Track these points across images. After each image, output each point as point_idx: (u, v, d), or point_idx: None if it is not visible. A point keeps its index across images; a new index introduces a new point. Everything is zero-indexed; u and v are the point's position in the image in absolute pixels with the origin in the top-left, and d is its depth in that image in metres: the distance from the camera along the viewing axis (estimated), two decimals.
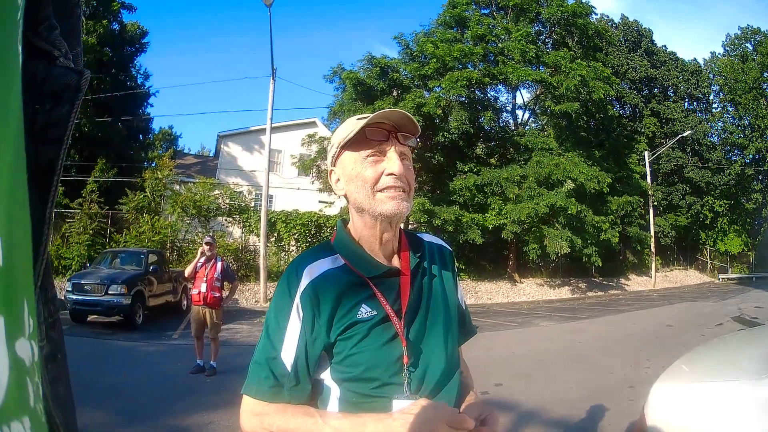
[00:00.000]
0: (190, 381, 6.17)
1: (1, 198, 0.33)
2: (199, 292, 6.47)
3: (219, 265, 6.62)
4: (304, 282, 1.08)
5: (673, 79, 26.73)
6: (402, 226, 1.21)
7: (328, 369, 1.09)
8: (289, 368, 1.05)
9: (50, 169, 0.46)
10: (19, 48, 0.36)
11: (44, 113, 0.45)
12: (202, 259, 6.58)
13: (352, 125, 1.12)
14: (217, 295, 6.49)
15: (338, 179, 1.17)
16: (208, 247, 6.63)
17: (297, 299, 1.07)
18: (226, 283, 6.74)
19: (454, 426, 0.93)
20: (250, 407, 1.08)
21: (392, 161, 1.09)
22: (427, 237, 1.28)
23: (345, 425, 0.99)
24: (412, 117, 1.10)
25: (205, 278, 6.47)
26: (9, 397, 0.33)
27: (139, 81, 23.83)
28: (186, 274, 6.80)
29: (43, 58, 0.45)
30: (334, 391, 1.09)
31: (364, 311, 1.07)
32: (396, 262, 1.16)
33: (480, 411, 1.07)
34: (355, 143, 1.12)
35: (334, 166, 1.19)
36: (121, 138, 22.20)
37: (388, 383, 1.04)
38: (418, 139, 1.16)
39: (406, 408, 0.98)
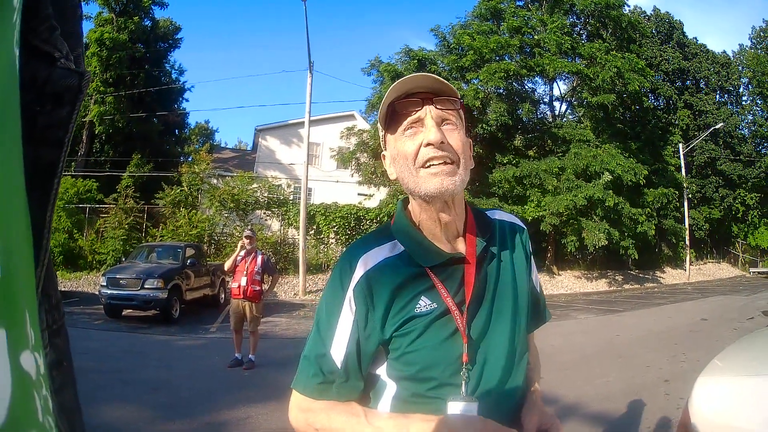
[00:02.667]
0: (229, 375, 6.12)
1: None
2: (239, 286, 6.44)
3: (259, 258, 6.58)
4: (358, 273, 1.00)
5: (705, 71, 26.52)
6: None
7: (385, 365, 1.03)
8: (339, 365, 0.99)
9: (51, 172, 0.45)
10: (16, 51, 0.35)
11: (45, 115, 0.44)
12: (242, 253, 6.54)
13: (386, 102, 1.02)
14: (257, 288, 6.43)
15: (390, 162, 1.07)
16: (248, 240, 6.58)
17: (350, 292, 1.00)
18: (266, 276, 6.70)
19: None
20: (298, 402, 1.04)
21: (429, 129, 0.96)
22: (499, 214, 1.16)
23: (389, 425, 0.94)
24: (440, 78, 0.98)
25: (245, 272, 6.43)
26: (14, 413, 0.31)
27: (173, 77, 23.92)
28: (226, 268, 6.76)
29: (44, 60, 0.44)
30: (390, 387, 1.03)
31: (423, 304, 0.98)
32: (461, 246, 1.05)
33: (541, 422, 0.99)
34: (392, 119, 1.02)
35: (385, 149, 1.09)
36: (156, 133, 22.28)
37: (446, 383, 0.97)
38: (461, 99, 1.02)
39: (454, 418, 0.91)
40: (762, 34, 31.50)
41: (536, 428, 0.97)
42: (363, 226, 18.02)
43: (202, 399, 5.08)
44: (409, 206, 1.08)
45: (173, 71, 23.95)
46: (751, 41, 31.80)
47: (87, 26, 21.95)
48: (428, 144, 0.95)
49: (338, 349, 1.00)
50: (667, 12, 27.61)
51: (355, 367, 1.00)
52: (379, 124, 1.08)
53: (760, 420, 2.10)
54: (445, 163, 0.96)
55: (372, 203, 18.60)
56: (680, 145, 23.00)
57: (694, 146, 23.24)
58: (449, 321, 0.98)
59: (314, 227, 17.84)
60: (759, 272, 26.70)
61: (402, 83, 0.98)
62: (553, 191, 18.35)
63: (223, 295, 13.52)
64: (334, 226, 17.84)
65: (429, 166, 0.96)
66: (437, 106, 0.98)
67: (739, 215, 26.78)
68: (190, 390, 5.40)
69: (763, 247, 28.35)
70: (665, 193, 21.11)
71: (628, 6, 23.83)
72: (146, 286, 10.36)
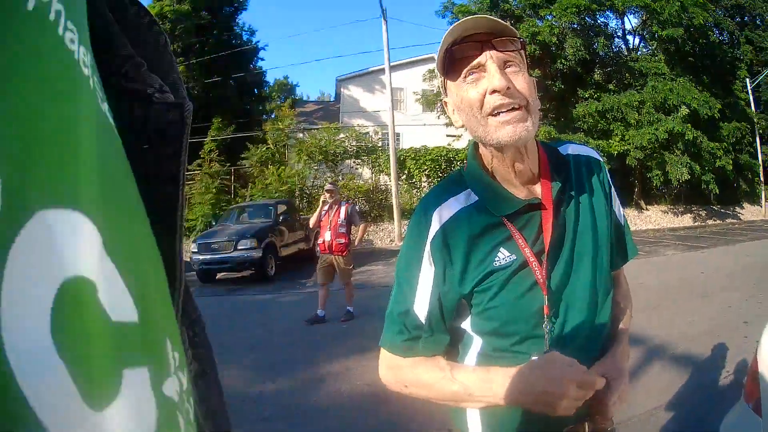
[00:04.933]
0: (328, 328, 6.11)
1: (124, 260, 0.32)
2: (323, 241, 6.34)
3: (343, 209, 6.40)
4: (434, 227, 0.98)
5: (759, 9, 26.36)
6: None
7: (469, 319, 1.02)
8: (423, 320, 0.99)
9: (172, 207, 0.45)
10: (104, 106, 0.35)
11: (153, 152, 0.44)
12: (326, 208, 6.43)
13: (443, 44, 0.96)
14: (343, 241, 6.26)
15: (453, 110, 1.02)
16: (330, 194, 6.44)
17: (427, 246, 0.98)
18: (354, 227, 6.51)
19: (583, 387, 0.87)
20: (386, 360, 1.05)
21: (492, 75, 0.91)
22: (573, 148, 1.11)
23: (472, 379, 0.95)
24: (496, 18, 0.92)
25: (329, 225, 6.30)
26: None
27: (245, 38, 23.93)
28: (311, 225, 6.70)
29: (136, 98, 0.43)
30: (476, 341, 1.03)
31: (502, 257, 0.96)
32: (537, 190, 1.01)
33: (609, 370, 0.97)
34: (451, 65, 0.96)
35: (446, 95, 1.04)
36: (235, 95, 22.36)
37: (529, 337, 0.97)
38: (521, 39, 0.97)
39: (535, 363, 0.91)
40: None
41: (602, 374, 0.94)
42: (454, 167, 17.92)
43: (302, 355, 5.10)
44: (480, 150, 1.04)
45: (243, 33, 24.06)
46: None
47: (145, 2, 22.08)
48: (494, 91, 0.90)
49: (421, 305, 0.99)
50: None
51: (439, 321, 0.99)
52: (437, 70, 1.02)
53: None
54: (514, 109, 0.91)
55: (461, 143, 18.62)
56: (747, 80, 22.89)
57: (759, 82, 23.09)
58: (529, 272, 0.96)
59: (405, 172, 17.90)
60: None
61: (458, 26, 0.92)
62: (635, 125, 18.33)
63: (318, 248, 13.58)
64: (425, 170, 17.89)
65: (497, 114, 0.91)
66: (498, 49, 0.93)
67: None
68: (289, 347, 5.43)
69: None
70: (738, 127, 21.04)
71: None
72: (239, 247, 10.33)
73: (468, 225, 0.97)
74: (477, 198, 1.00)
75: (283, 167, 17.71)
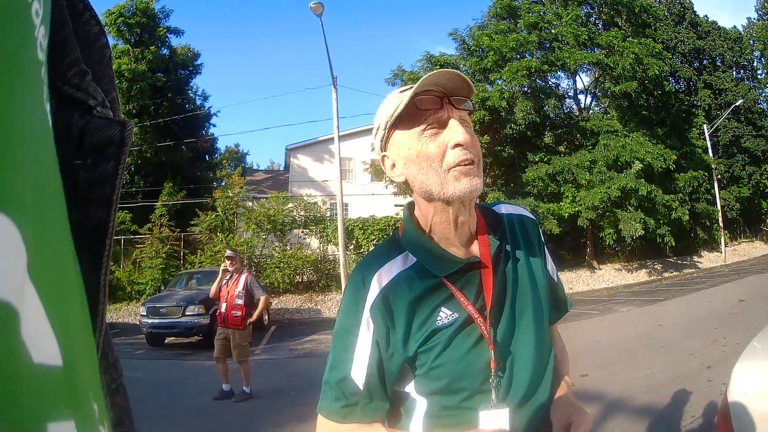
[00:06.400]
0: (273, 398, 6.07)
1: (49, 288, 0.28)
2: (219, 313, 6.02)
3: (242, 279, 6.04)
4: (374, 292, 0.97)
5: (719, 48, 26.35)
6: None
7: (413, 381, 1.01)
8: (360, 387, 0.97)
9: (101, 232, 0.41)
10: (47, 106, 0.32)
11: (87, 171, 0.40)
12: (227, 277, 6.08)
13: (396, 99, 0.98)
14: (239, 314, 5.89)
15: (393, 164, 1.03)
16: (230, 261, 6.06)
17: (366, 312, 0.97)
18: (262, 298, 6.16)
19: None
20: (324, 427, 1.04)
21: (455, 130, 0.93)
22: (505, 208, 1.14)
23: None
24: (464, 75, 0.94)
25: (226, 296, 5.94)
26: None
27: (198, 103, 23.90)
28: (211, 295, 6.33)
29: (77, 109, 0.40)
30: (420, 403, 1.00)
31: (444, 315, 0.96)
32: (475, 249, 1.02)
33: (568, 414, 0.98)
34: (405, 119, 0.97)
35: (385, 150, 1.04)
36: (186, 160, 22.34)
37: (476, 392, 0.96)
38: (473, 102, 1.00)
39: None
40: (766, 5, 31.26)
41: (564, 422, 0.96)
42: None
43: (246, 422, 5.12)
44: (416, 212, 1.05)
45: (197, 97, 24.00)
46: (758, 13, 31.58)
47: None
48: (457, 145, 0.93)
49: (359, 371, 0.97)
50: None
51: (378, 387, 0.98)
52: (379, 120, 1.02)
53: None
54: (471, 162, 0.94)
55: None
56: (704, 126, 22.92)
57: (717, 126, 23.11)
58: (473, 329, 0.96)
59: (353, 242, 17.87)
60: None
61: (431, 78, 0.94)
62: (586, 185, 18.32)
63: (266, 317, 13.44)
64: (373, 239, 17.84)
65: (457, 167, 0.93)
66: (456, 107, 0.96)
67: (767, 191, 26.65)
68: (233, 414, 5.45)
69: None
70: (695, 176, 21.02)
71: None
72: (187, 313, 10.42)
73: (408, 288, 0.97)
74: (415, 260, 1.00)
75: (232, 235, 17.74)
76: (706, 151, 22.63)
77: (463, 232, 1.02)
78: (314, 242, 18.43)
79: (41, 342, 0.26)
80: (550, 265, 1.14)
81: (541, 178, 18.26)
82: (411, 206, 1.07)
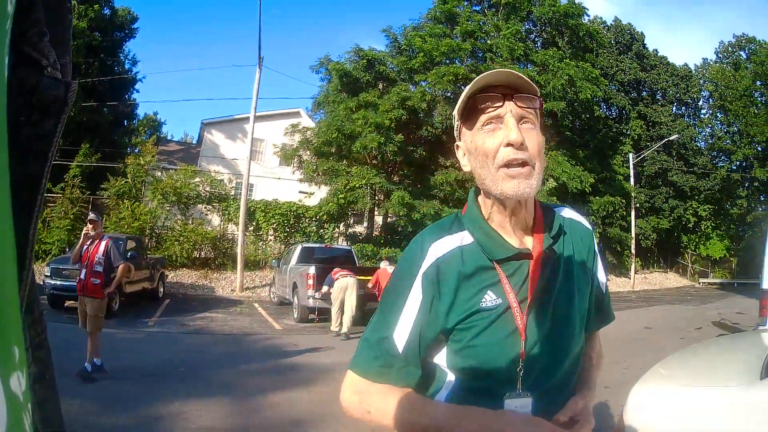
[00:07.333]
0: (166, 370, 6.06)
1: None
2: (79, 280, 5.65)
3: (103, 245, 5.70)
4: (429, 260, 1.02)
5: (663, 83, 26.82)
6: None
7: (444, 353, 1.04)
8: (400, 350, 1.00)
9: (35, 187, 0.43)
10: (5, 58, 0.33)
11: (30, 126, 0.42)
12: (88, 242, 5.74)
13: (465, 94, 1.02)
14: (98, 281, 5.56)
15: (464, 154, 1.08)
16: (92, 225, 5.70)
17: (419, 278, 1.01)
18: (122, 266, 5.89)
19: None
20: (354, 384, 1.05)
21: (509, 128, 0.95)
22: (567, 212, 1.17)
23: (443, 413, 0.96)
24: (523, 75, 0.98)
25: (87, 262, 5.60)
26: None
27: (126, 66, 23.62)
28: (72, 260, 6.05)
29: (32, 67, 0.42)
30: (449, 376, 1.04)
31: (489, 299, 0.99)
32: (528, 242, 1.05)
33: (576, 413, 1.03)
34: (470, 112, 1.02)
35: (459, 140, 1.09)
36: (106, 123, 22.07)
37: (504, 379, 0.99)
38: (540, 98, 1.02)
39: (510, 415, 0.95)
40: (729, 49, 31.93)
41: (571, 414, 1.01)
42: (302, 224, 18.11)
43: (138, 393, 5.03)
44: (480, 197, 1.09)
45: (127, 61, 23.72)
46: (717, 55, 32.24)
47: None
48: (509, 144, 0.95)
49: (401, 334, 1.01)
50: (630, 23, 27.89)
51: (416, 353, 1.01)
52: (455, 114, 1.07)
53: (696, 430, 2.15)
54: (523, 164, 0.96)
55: (312, 201, 18.67)
56: (630, 154, 23.31)
57: (645, 157, 23.53)
58: (510, 318, 0.99)
59: (254, 224, 17.90)
60: (710, 283, 27.18)
61: (483, 77, 0.97)
62: None
63: (162, 289, 13.67)
64: (274, 223, 17.92)
65: (507, 167, 0.96)
66: (518, 103, 0.97)
67: (690, 226, 27.18)
68: (126, 384, 5.36)
69: (714, 257, 28.80)
70: (611, 201, 21.42)
71: (588, 16, 24.09)
72: None
73: (461, 263, 1.00)
74: (472, 240, 1.03)
75: (138, 203, 17.63)
76: (627, 178, 23.00)
77: (519, 226, 1.05)
78: (216, 219, 18.44)
79: None
80: (602, 276, 1.17)
81: (450, 183, 18.42)
82: (477, 190, 1.10)
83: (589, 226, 1.17)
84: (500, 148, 0.96)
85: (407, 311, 1.01)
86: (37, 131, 0.43)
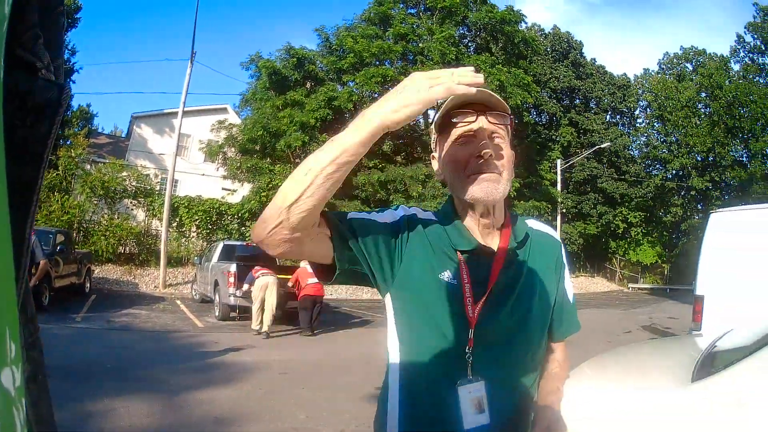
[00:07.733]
0: (89, 369, 6.03)
1: None
2: None
3: None
4: (411, 212, 1.13)
5: (597, 91, 27.50)
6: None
7: (393, 327, 1.11)
8: (351, 234, 1.03)
9: (30, 188, 0.43)
10: (1, 62, 0.34)
11: (24, 129, 0.43)
12: None
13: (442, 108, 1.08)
14: None
15: (438, 164, 1.16)
16: None
17: (400, 211, 1.12)
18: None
19: (432, 77, 0.93)
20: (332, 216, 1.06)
21: (480, 141, 1.04)
22: (536, 224, 1.23)
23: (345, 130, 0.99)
24: (492, 93, 1.05)
25: None
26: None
27: (65, 56, 23.37)
28: None
29: (26, 70, 0.42)
30: (400, 359, 1.10)
31: (446, 276, 1.06)
32: (494, 243, 1.11)
33: (548, 420, 1.06)
34: (446, 126, 1.09)
35: (435, 151, 1.18)
36: None
37: (453, 365, 1.05)
38: (511, 116, 1.09)
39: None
40: (675, 60, 32.79)
41: (544, 426, 1.04)
42: (224, 221, 18.37)
43: (67, 390, 5.02)
44: (455, 201, 1.15)
45: (66, 51, 23.46)
46: (660, 66, 33.07)
47: None
48: (479, 156, 1.02)
49: (362, 230, 1.04)
50: (568, 32, 28.56)
51: (355, 239, 1.02)
52: (432, 127, 1.15)
53: None
54: (493, 172, 1.03)
55: (235, 199, 18.91)
56: (558, 160, 23.95)
57: (573, 163, 24.17)
58: (461, 304, 1.04)
59: (177, 220, 18.09)
60: (640, 288, 27.83)
61: (462, 95, 0.99)
62: (417, 197, 18.95)
63: (88, 284, 13.72)
64: (197, 220, 18.14)
65: (475, 175, 1.03)
66: (489, 119, 1.04)
67: (619, 232, 27.96)
68: (54, 381, 5.23)
69: (645, 263, 29.67)
70: (536, 206, 22.04)
71: (526, 23, 24.68)
72: None
73: (434, 234, 1.09)
74: (443, 228, 1.11)
75: (67, 197, 17.60)
76: (554, 184, 23.63)
77: (486, 229, 1.11)
78: (141, 214, 18.53)
79: None
80: (568, 285, 1.22)
81: (372, 184, 18.84)
82: (451, 198, 1.17)
83: (558, 239, 1.25)
84: (471, 159, 1.04)
85: (376, 219, 1.09)
86: (32, 133, 0.43)
